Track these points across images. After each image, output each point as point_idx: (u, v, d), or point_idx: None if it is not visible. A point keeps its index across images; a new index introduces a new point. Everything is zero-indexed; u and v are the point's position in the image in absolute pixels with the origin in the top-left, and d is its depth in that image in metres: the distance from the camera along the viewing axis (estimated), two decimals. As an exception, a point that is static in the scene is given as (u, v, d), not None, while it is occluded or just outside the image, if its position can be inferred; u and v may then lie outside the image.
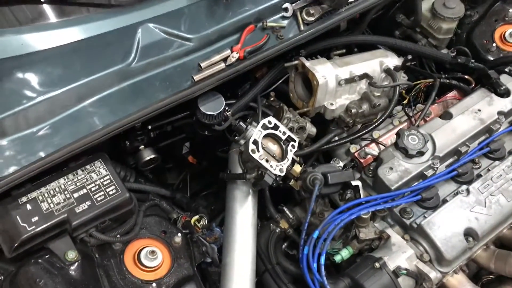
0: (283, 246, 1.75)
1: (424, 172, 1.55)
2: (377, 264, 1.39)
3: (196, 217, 1.53)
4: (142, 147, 1.67)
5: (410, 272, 1.40)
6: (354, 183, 1.52)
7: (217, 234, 1.57)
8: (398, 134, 1.59)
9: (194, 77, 1.48)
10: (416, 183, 1.55)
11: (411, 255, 1.43)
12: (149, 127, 1.65)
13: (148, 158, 1.65)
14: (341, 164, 1.74)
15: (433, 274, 1.40)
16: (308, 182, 1.49)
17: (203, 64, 1.50)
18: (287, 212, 1.69)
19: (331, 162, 1.74)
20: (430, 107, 1.83)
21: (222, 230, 1.59)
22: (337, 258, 1.52)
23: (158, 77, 1.49)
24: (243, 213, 1.57)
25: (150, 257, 1.37)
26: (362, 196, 1.50)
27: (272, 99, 1.79)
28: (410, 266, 1.42)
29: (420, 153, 1.56)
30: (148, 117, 1.44)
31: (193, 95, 1.50)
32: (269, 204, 1.67)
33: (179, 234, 1.46)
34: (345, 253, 1.53)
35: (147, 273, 1.37)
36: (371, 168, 1.59)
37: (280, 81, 1.82)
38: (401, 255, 1.43)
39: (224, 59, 1.53)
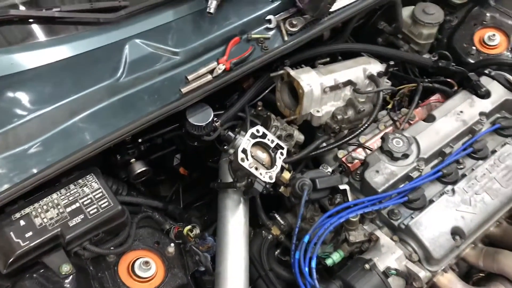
0: (276, 252, 1.77)
1: (410, 174, 1.59)
2: (367, 266, 1.42)
3: (189, 227, 1.56)
4: (133, 160, 1.69)
5: (400, 272, 1.42)
6: (342, 187, 1.55)
7: (210, 243, 1.60)
8: (383, 138, 1.63)
9: (182, 90, 1.51)
10: (403, 185, 1.59)
11: (400, 255, 1.46)
12: (140, 140, 1.68)
13: (139, 170, 1.68)
14: (330, 169, 1.77)
15: (423, 274, 1.43)
16: (297, 187, 1.52)
17: (190, 77, 1.54)
18: (278, 218, 1.72)
19: (319, 168, 1.78)
20: (414, 110, 1.87)
21: (215, 239, 1.62)
22: (329, 261, 1.55)
23: (146, 91, 1.52)
24: (235, 222, 1.60)
25: (144, 267, 1.39)
26: (350, 199, 1.54)
27: (259, 108, 1.83)
28: (400, 266, 1.45)
29: (405, 156, 1.60)
30: (138, 130, 1.47)
31: (182, 107, 1.53)
32: (260, 211, 1.70)
33: (172, 244, 1.48)
34: (336, 257, 1.56)
35: (142, 284, 1.39)
36: (358, 172, 1.62)
37: (267, 91, 1.86)
38: (390, 255, 1.46)
39: (211, 71, 1.57)
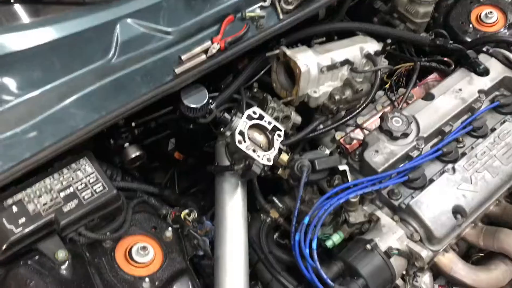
0: (275, 236, 1.75)
1: (410, 153, 1.57)
2: (368, 246, 1.39)
3: (186, 211, 1.52)
4: (127, 144, 1.65)
5: (402, 252, 1.41)
6: (341, 167, 1.52)
7: (208, 227, 1.56)
8: (382, 118, 1.60)
9: (176, 70, 1.47)
10: (402, 164, 1.56)
11: (402, 235, 1.44)
12: (133, 124, 1.64)
13: (133, 155, 1.64)
14: (328, 151, 1.74)
15: (424, 253, 1.41)
16: (296, 169, 1.49)
17: (183, 57, 1.49)
18: (277, 201, 1.69)
19: (317, 150, 1.75)
20: (411, 90, 1.85)
21: (213, 224, 1.59)
22: (329, 243, 1.53)
23: (139, 72, 1.47)
24: (233, 205, 1.57)
25: (142, 253, 1.36)
26: (349, 180, 1.51)
27: (255, 90, 1.79)
28: (401, 246, 1.43)
29: (405, 135, 1.58)
30: (130, 112, 1.43)
31: (175, 88, 1.49)
32: (258, 195, 1.67)
33: (170, 229, 1.45)
34: (336, 238, 1.53)
35: (140, 269, 1.36)
36: (357, 153, 1.60)
37: (262, 72, 1.82)
38: (391, 235, 1.44)
39: (205, 51, 1.52)
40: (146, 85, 1.47)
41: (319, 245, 1.51)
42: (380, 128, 1.59)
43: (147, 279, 1.33)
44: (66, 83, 1.41)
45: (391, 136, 1.57)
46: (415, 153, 1.57)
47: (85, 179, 1.34)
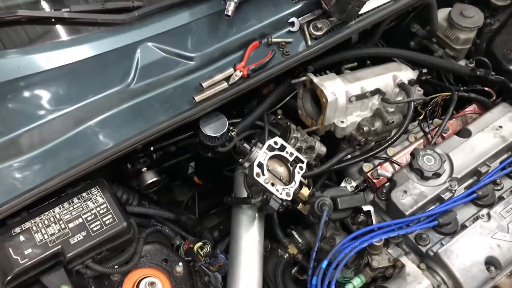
0: (293, 271, 1.67)
1: (441, 195, 1.46)
2: (390, 297, 1.30)
3: (199, 244, 1.46)
4: (144, 169, 1.60)
5: (427, 305, 1.30)
6: (365, 208, 1.43)
7: (222, 261, 1.49)
8: (413, 155, 1.50)
9: (195, 98, 1.41)
10: (433, 207, 1.45)
11: (427, 286, 1.33)
12: (151, 148, 1.59)
13: (150, 181, 1.59)
14: (354, 184, 1.65)
15: (452, 308, 1.30)
16: (317, 207, 1.40)
17: (204, 84, 1.43)
18: (296, 236, 1.61)
19: (343, 182, 1.66)
20: (447, 122, 1.73)
21: (227, 257, 1.52)
22: (348, 287, 1.44)
23: (158, 98, 1.42)
24: (249, 240, 1.50)
25: (150, 288, 1.31)
26: (374, 221, 1.41)
27: (279, 117, 1.72)
28: (427, 299, 1.32)
29: (437, 175, 1.47)
30: (147, 140, 1.38)
31: (195, 117, 1.43)
32: (277, 228, 1.60)
33: (180, 264, 1.39)
34: (356, 282, 1.44)
35: (147, 306, 1.30)
36: (384, 191, 1.49)
37: (288, 98, 1.74)
38: (416, 286, 1.33)
39: (227, 78, 1.46)
40: (164, 112, 1.41)
41: (338, 287, 1.42)
42: (410, 166, 1.48)
43: (153, 320, 1.27)
44: (83, 108, 1.37)
45: (421, 175, 1.46)
46: (447, 195, 1.46)
47: (95, 210, 1.29)
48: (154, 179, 1.59)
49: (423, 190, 1.45)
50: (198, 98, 1.41)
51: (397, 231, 1.39)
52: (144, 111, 1.40)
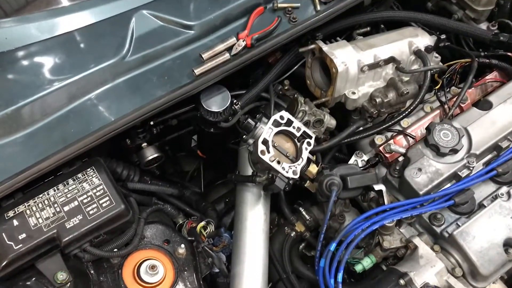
0: (300, 247, 1.61)
1: (458, 173, 1.36)
2: (402, 281, 1.24)
3: (202, 223, 1.40)
4: (144, 144, 1.53)
5: (440, 290, 1.24)
6: (377, 187, 1.35)
7: (226, 241, 1.45)
8: (428, 129, 1.40)
9: (195, 71, 1.31)
10: (449, 184, 1.37)
11: (441, 269, 1.27)
12: (151, 123, 1.51)
13: (151, 157, 1.52)
14: (365, 158, 1.57)
15: (467, 292, 1.24)
16: (325, 187, 1.33)
17: (205, 55, 1.33)
18: (303, 213, 1.55)
19: (353, 155, 1.57)
20: (466, 91, 1.61)
21: (232, 235, 1.46)
22: (358, 268, 1.38)
23: (155, 71, 1.33)
24: (254, 219, 1.43)
25: (151, 272, 1.26)
26: (386, 201, 1.34)
27: (286, 87, 1.62)
28: (440, 282, 1.26)
29: (454, 151, 1.37)
30: (145, 117, 1.30)
31: (195, 91, 1.34)
32: (283, 205, 1.53)
33: (183, 245, 1.33)
34: (367, 263, 1.38)
35: (148, 290, 1.26)
36: (397, 168, 1.41)
37: (295, 67, 1.63)
38: (429, 269, 1.27)
39: (229, 48, 1.36)
40: (162, 86, 1.32)
41: (347, 269, 1.37)
42: (426, 142, 1.39)
43: (153, 305, 1.23)
44: (76, 83, 1.29)
45: (437, 151, 1.37)
46: (464, 173, 1.37)
47: (91, 192, 1.23)
48: (155, 155, 1.52)
49: (439, 168, 1.36)
50: (198, 70, 1.32)
51: (410, 211, 1.31)
52: (141, 86, 1.32)
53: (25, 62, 1.27)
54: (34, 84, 1.25)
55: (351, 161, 1.57)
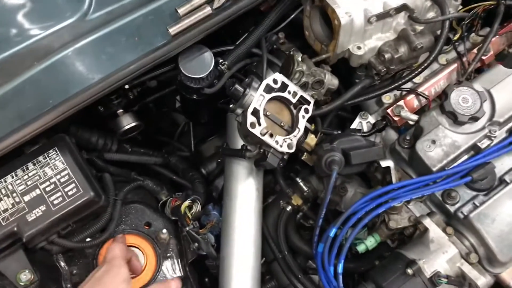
0: (297, 216, 1.47)
1: (478, 144, 1.19)
2: (409, 271, 1.10)
3: (187, 202, 1.25)
4: (120, 111, 1.35)
5: (452, 279, 1.10)
6: (384, 163, 1.18)
7: (215, 220, 1.31)
8: (445, 94, 1.21)
9: (170, 30, 1.10)
10: (466, 156, 1.20)
11: (454, 255, 1.13)
12: (126, 86, 1.32)
13: (127, 126, 1.34)
14: (371, 119, 1.39)
15: (482, 281, 1.11)
16: (324, 164, 1.16)
17: (181, 10, 1.12)
18: (301, 184, 1.39)
19: (357, 117, 1.40)
20: (490, 41, 1.39)
21: (221, 212, 1.32)
22: (361, 248, 1.26)
23: (123, 31, 1.13)
24: (245, 196, 1.29)
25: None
26: (394, 179, 1.17)
27: (281, 41, 1.40)
28: (453, 270, 1.13)
29: (474, 119, 1.19)
30: (114, 87, 1.11)
31: (172, 54, 1.14)
32: (278, 176, 1.37)
33: (165, 230, 1.19)
34: (370, 243, 1.25)
35: (127, 281, 1.13)
36: (408, 138, 1.23)
37: (292, 16, 1.41)
38: (441, 255, 1.13)
39: (210, 0, 1.13)
40: (133, 49, 1.13)
41: (349, 248, 1.23)
42: (441, 108, 1.20)
43: (133, 301, 1.10)
44: (29, 49, 1.09)
45: (455, 120, 1.19)
46: (484, 143, 1.19)
47: (55, 178, 1.07)
48: (132, 124, 1.35)
49: (456, 139, 1.18)
50: (173, 30, 1.11)
51: (421, 190, 1.15)
52: (107, 49, 1.12)
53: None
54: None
55: (355, 124, 1.40)
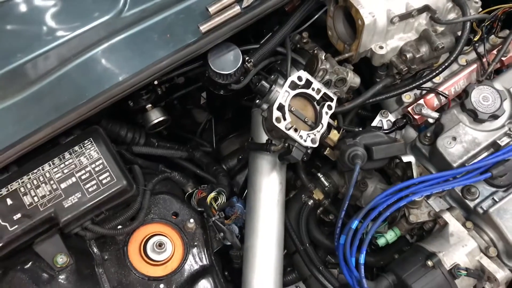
0: (318, 211, 1.51)
1: (498, 141, 1.22)
2: (429, 262, 1.13)
3: (213, 194, 1.30)
4: (149, 106, 1.40)
5: (471, 272, 1.13)
6: (405, 158, 1.21)
7: (239, 211, 1.35)
8: (466, 92, 1.24)
9: (201, 28, 1.15)
10: (486, 153, 1.23)
11: (474, 248, 1.16)
12: (155, 82, 1.36)
13: (156, 121, 1.39)
14: (391, 118, 1.43)
15: (501, 274, 1.13)
16: (347, 159, 1.20)
17: (212, 9, 1.17)
18: (322, 179, 1.43)
19: (378, 115, 1.43)
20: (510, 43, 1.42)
21: (245, 205, 1.36)
22: (381, 241, 1.29)
23: (156, 28, 1.18)
24: (269, 189, 1.33)
25: (158, 250, 1.18)
26: (415, 174, 1.21)
27: (305, 40, 1.44)
28: (472, 262, 1.15)
29: (494, 117, 1.22)
30: (146, 81, 1.16)
31: (202, 51, 1.19)
32: (300, 171, 1.41)
33: (192, 220, 1.24)
34: (390, 236, 1.29)
35: (156, 268, 1.19)
36: (428, 135, 1.26)
37: (315, 17, 1.45)
38: (460, 249, 1.16)
39: (240, 0, 1.18)
40: (165, 46, 1.18)
41: (369, 242, 1.27)
42: (462, 106, 1.23)
43: (162, 286, 1.15)
44: (67, 44, 1.15)
45: (475, 117, 1.22)
46: (504, 141, 1.22)
47: (90, 167, 1.12)
48: (160, 118, 1.40)
49: (476, 136, 1.21)
50: (204, 27, 1.16)
51: (441, 185, 1.18)
52: (140, 45, 1.17)
53: (7, 22, 1.11)
54: (19, 47, 1.11)
55: (375, 122, 1.43)
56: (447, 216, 1.20)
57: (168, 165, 1.49)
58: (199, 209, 1.32)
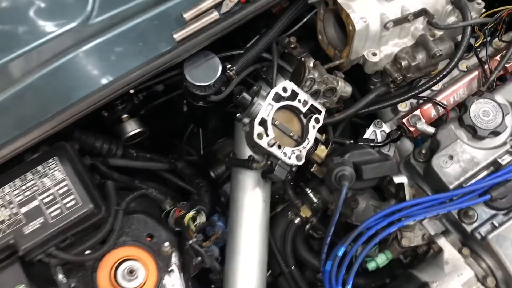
0: (306, 227, 1.42)
1: (498, 160, 1.12)
2: (422, 293, 1.05)
3: (191, 213, 1.21)
4: (125, 116, 1.31)
5: (467, 304, 1.05)
6: (397, 179, 1.12)
7: (220, 231, 1.26)
8: (465, 106, 1.14)
9: (175, 36, 1.06)
10: (485, 172, 1.13)
11: (470, 278, 1.07)
12: (131, 91, 1.27)
13: (132, 132, 1.30)
14: (385, 128, 1.33)
15: (499, 307, 1.05)
16: (334, 179, 1.10)
17: (187, 15, 1.07)
18: (311, 195, 1.34)
19: (371, 125, 1.34)
20: (513, 48, 1.32)
21: (226, 223, 1.28)
22: (371, 265, 1.20)
23: (127, 36, 1.09)
24: (251, 207, 1.24)
25: (129, 277, 1.10)
26: (408, 196, 1.11)
27: (292, 45, 1.34)
28: (468, 293, 1.07)
29: (495, 133, 1.12)
30: (117, 94, 1.07)
31: (177, 60, 1.09)
32: (287, 186, 1.32)
33: (167, 244, 1.15)
34: (381, 260, 1.19)
35: (127, 296, 1.10)
36: (423, 152, 1.17)
37: (303, 21, 1.35)
38: (456, 278, 1.07)
39: (218, 4, 1.08)
40: (137, 55, 1.09)
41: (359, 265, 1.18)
42: (460, 121, 1.14)
43: (131, 317, 1.07)
44: (30, 53, 1.05)
45: (474, 134, 1.12)
46: (505, 159, 1.12)
47: (53, 189, 1.03)
48: (137, 130, 1.31)
49: (475, 155, 1.11)
50: (178, 35, 1.06)
51: (436, 208, 1.09)
52: (110, 55, 1.08)
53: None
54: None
55: (368, 133, 1.34)
56: (442, 242, 1.11)
57: (149, 176, 1.41)
58: (177, 229, 1.23)
